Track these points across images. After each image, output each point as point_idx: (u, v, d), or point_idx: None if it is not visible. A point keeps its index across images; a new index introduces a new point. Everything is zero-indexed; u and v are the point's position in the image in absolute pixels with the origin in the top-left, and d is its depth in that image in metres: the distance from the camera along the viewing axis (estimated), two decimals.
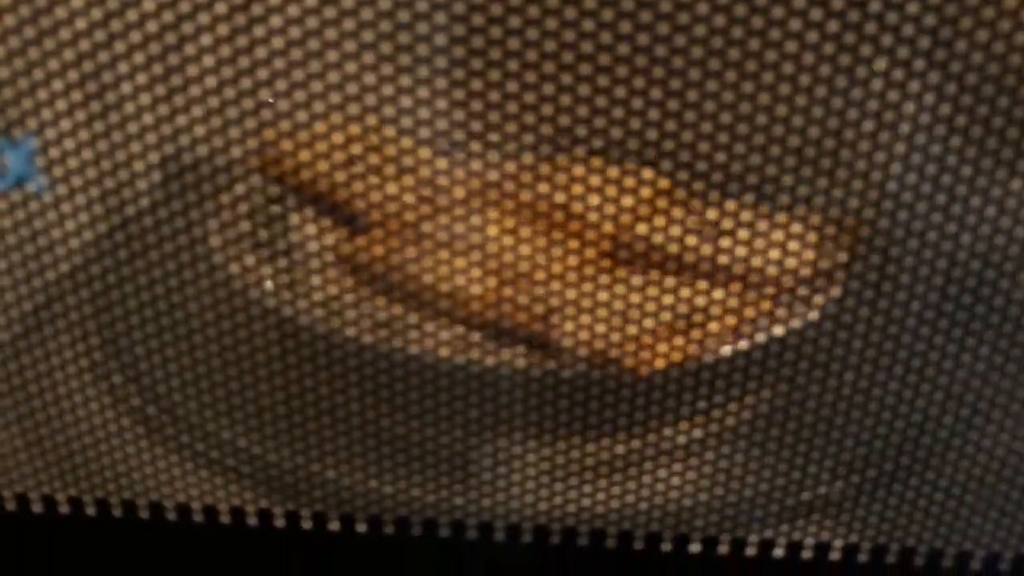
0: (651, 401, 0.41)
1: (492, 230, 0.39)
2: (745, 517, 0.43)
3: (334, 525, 0.43)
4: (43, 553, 0.46)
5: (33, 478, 0.44)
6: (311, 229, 0.42)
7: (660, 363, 0.41)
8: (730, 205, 0.37)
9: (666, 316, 0.39)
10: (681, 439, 0.43)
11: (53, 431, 0.43)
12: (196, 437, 0.45)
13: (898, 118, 0.35)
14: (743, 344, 0.42)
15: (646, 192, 0.37)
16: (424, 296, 0.41)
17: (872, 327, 0.39)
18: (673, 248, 0.39)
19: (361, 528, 0.43)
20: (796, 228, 0.38)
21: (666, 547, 0.43)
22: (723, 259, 0.38)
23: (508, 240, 0.38)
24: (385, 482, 0.43)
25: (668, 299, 0.39)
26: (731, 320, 0.41)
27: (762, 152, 0.36)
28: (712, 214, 0.38)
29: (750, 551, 0.43)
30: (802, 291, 0.43)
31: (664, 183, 0.38)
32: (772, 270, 0.40)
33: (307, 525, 0.43)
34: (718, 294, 0.40)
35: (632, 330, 0.40)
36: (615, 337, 0.40)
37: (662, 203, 0.39)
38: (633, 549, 0.43)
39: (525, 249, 0.39)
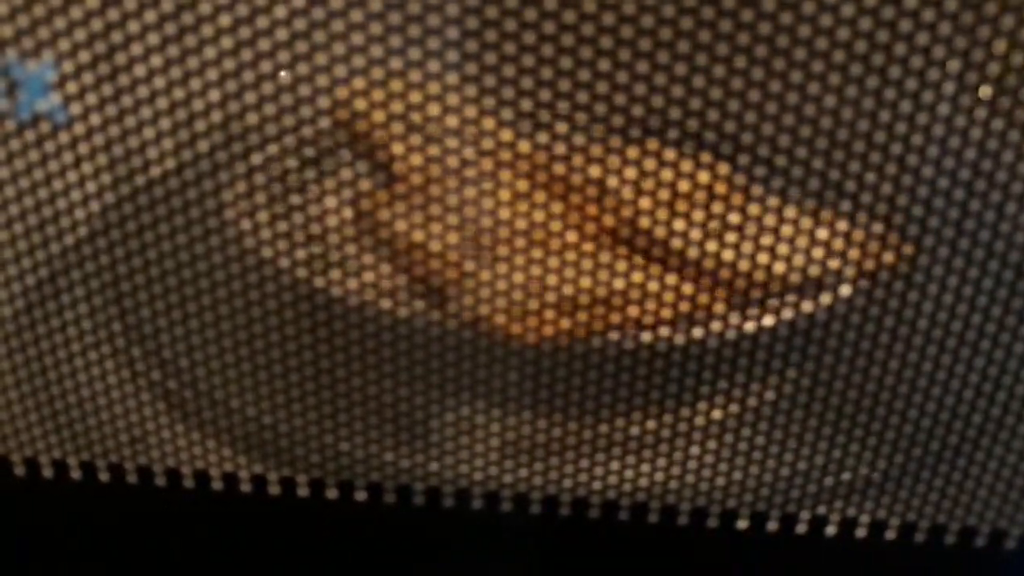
0: (691, 372, 0.39)
1: (488, 187, 0.37)
2: (797, 493, 0.41)
3: (360, 495, 0.42)
4: (54, 519, 0.44)
5: (43, 441, 0.42)
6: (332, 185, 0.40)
7: (548, 331, 0.39)
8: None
9: (569, 291, 0.38)
10: (734, 409, 0.40)
11: (64, 391, 0.41)
12: (219, 412, 0.43)
13: (932, 115, 0.33)
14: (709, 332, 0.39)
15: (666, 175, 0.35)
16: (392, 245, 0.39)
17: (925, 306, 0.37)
18: (662, 235, 0.37)
19: (390, 499, 0.41)
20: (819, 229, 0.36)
21: (712, 523, 0.41)
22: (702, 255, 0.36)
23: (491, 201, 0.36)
24: (415, 450, 0.42)
25: (570, 273, 0.37)
26: (664, 308, 0.39)
27: (792, 139, 0.34)
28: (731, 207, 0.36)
29: (801, 529, 0.41)
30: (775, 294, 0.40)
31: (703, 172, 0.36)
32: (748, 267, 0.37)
33: (332, 495, 0.42)
34: (639, 278, 0.38)
35: (520, 299, 0.38)
36: (502, 303, 0.38)
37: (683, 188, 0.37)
38: (677, 525, 0.41)
39: (500, 211, 0.37)
